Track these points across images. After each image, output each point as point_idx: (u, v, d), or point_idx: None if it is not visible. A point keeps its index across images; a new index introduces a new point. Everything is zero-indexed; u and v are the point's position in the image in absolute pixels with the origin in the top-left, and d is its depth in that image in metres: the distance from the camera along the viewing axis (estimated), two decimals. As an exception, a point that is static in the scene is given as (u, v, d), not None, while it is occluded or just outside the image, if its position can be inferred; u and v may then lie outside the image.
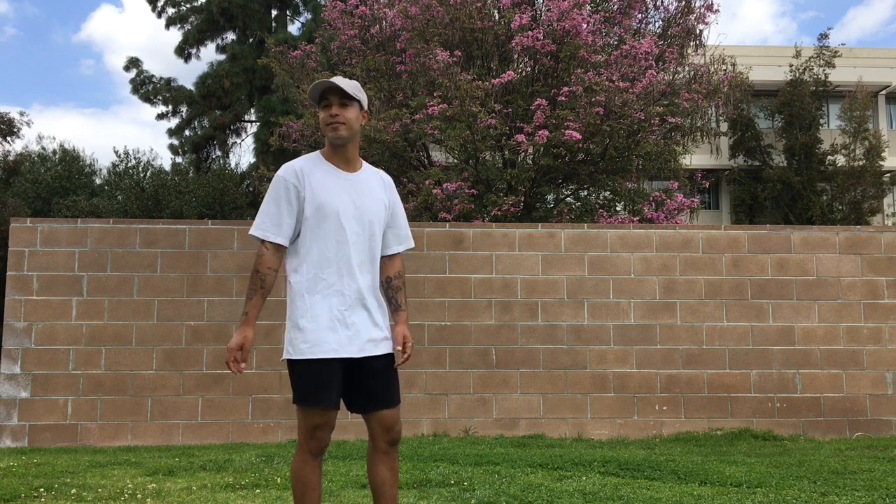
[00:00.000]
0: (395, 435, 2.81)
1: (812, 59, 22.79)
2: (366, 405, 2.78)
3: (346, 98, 2.78)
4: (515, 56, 12.27)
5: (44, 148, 23.52)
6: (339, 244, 2.75)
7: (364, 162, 2.94)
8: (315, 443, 2.71)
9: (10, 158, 22.46)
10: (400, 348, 2.90)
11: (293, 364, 2.71)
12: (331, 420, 2.71)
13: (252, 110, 24.33)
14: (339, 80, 2.76)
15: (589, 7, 12.39)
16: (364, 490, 4.37)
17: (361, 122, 2.84)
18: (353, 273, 2.76)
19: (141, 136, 73.26)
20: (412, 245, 3.03)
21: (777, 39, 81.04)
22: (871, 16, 72.14)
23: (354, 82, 2.83)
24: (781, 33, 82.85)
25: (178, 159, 25.10)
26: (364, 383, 2.77)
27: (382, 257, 2.95)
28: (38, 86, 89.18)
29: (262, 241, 2.75)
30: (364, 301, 2.78)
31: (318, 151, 2.88)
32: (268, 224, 2.74)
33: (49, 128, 76.16)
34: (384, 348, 2.81)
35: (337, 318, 2.72)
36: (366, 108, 2.89)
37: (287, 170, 2.78)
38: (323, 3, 19.56)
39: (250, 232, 2.79)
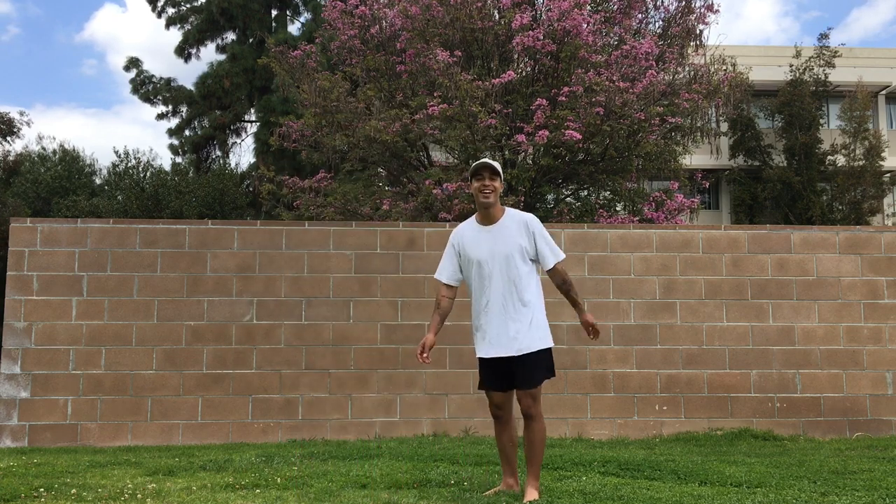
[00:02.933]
0: (524, 408, 3.96)
1: (812, 59, 22.79)
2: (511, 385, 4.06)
3: (495, 174, 4.02)
4: (515, 56, 12.27)
5: (44, 148, 23.52)
6: (480, 279, 4.08)
7: (508, 211, 4.11)
8: (491, 412, 4.15)
9: (10, 158, 22.46)
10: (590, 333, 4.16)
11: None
12: (500, 399, 4.07)
13: (252, 110, 24.33)
14: (490, 160, 4.03)
15: (589, 7, 12.39)
16: (364, 490, 4.37)
17: (500, 192, 4.09)
18: (492, 299, 4.06)
19: (143, 136, 73.27)
20: (562, 257, 4.10)
21: (780, 39, 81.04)
22: (874, 16, 72.16)
23: (498, 163, 4.24)
24: (784, 33, 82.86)
25: (178, 159, 25.10)
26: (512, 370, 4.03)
27: (547, 272, 4.13)
28: (40, 86, 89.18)
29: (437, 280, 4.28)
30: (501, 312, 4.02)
31: (474, 216, 4.19)
32: (439, 268, 4.27)
33: (51, 128, 76.11)
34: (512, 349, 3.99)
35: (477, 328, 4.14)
36: (503, 183, 4.19)
37: (454, 233, 4.22)
38: (323, 3, 19.56)
39: (435, 276, 4.32)
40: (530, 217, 4.10)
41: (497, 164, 4.02)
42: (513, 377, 4.00)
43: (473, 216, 4.18)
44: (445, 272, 4.19)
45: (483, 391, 4.13)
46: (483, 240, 4.06)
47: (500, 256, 4.00)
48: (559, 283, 4.15)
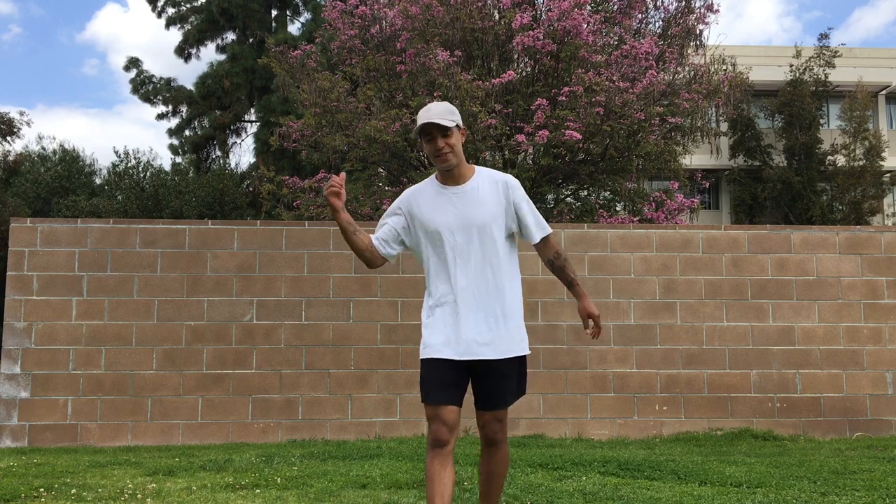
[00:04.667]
0: (491, 433, 3.04)
1: (812, 60, 22.80)
2: (475, 402, 3.08)
3: (444, 130, 2.97)
4: (516, 56, 12.27)
5: (44, 148, 23.54)
6: (442, 253, 3.02)
7: (478, 170, 3.12)
8: (432, 436, 2.90)
9: (10, 158, 22.46)
10: (589, 327, 3.14)
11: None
12: (445, 415, 2.91)
13: (252, 110, 24.34)
14: (434, 115, 2.96)
15: (589, 7, 12.39)
16: (364, 490, 4.37)
17: (462, 141, 3.05)
18: (461, 281, 2.99)
19: (144, 136, 73.26)
20: (549, 231, 3.17)
21: (781, 39, 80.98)
22: (876, 16, 72.08)
23: (446, 105, 3.02)
24: (786, 33, 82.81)
25: (178, 159, 25.12)
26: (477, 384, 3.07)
27: (534, 246, 3.18)
28: (41, 86, 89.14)
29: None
30: (470, 304, 2.98)
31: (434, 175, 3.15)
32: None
33: (53, 128, 76.11)
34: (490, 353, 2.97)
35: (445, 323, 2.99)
36: (462, 125, 3.08)
37: (405, 192, 3.16)
38: (323, 3, 19.55)
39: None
40: (509, 177, 3.12)
41: (444, 116, 2.97)
42: (465, 391, 3.01)
43: (433, 175, 3.14)
44: (377, 233, 3.11)
45: (428, 406, 2.94)
46: (447, 204, 3.03)
47: (472, 228, 2.99)
48: (552, 257, 3.16)
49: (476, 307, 2.95)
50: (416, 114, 11.27)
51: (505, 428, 3.07)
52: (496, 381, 3.00)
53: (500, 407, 3.02)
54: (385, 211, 2.96)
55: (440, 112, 2.96)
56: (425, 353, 2.97)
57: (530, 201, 3.15)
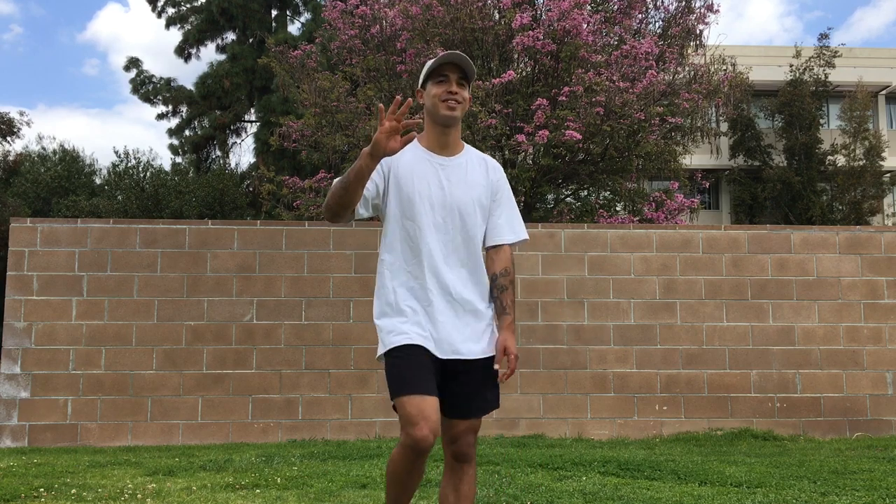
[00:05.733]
0: (465, 447, 2.52)
1: (812, 60, 22.80)
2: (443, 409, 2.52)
3: (465, 79, 2.58)
4: (516, 56, 12.27)
5: (44, 148, 23.55)
6: (415, 229, 2.53)
7: (467, 146, 2.70)
8: (412, 440, 2.34)
9: (10, 158, 22.46)
10: (500, 364, 2.59)
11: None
12: (430, 412, 2.34)
13: (252, 110, 24.35)
14: (462, 58, 2.53)
15: (589, 7, 12.39)
16: (364, 490, 4.37)
17: (466, 108, 2.64)
18: (437, 266, 2.53)
19: (145, 135, 73.22)
20: (525, 237, 2.74)
21: (782, 39, 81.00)
22: (877, 17, 72.07)
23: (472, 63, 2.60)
24: (787, 33, 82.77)
25: (178, 159, 25.13)
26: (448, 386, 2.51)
27: (487, 249, 2.68)
28: (42, 86, 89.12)
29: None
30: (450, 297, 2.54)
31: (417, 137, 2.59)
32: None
33: (53, 128, 76.09)
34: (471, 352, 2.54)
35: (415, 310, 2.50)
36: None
37: None
38: (323, 2, 19.55)
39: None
40: (496, 163, 2.74)
41: (471, 64, 2.57)
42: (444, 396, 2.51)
43: (415, 140, 2.62)
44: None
45: (408, 399, 2.37)
46: (431, 174, 2.57)
47: (455, 208, 2.57)
48: (501, 271, 2.67)
49: (452, 299, 2.53)
50: (416, 114, 11.30)
51: (475, 442, 2.58)
52: (476, 384, 2.54)
53: (478, 414, 2.54)
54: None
55: (468, 60, 2.56)
56: (400, 339, 2.44)
57: (513, 196, 2.76)
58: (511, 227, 2.71)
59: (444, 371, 2.49)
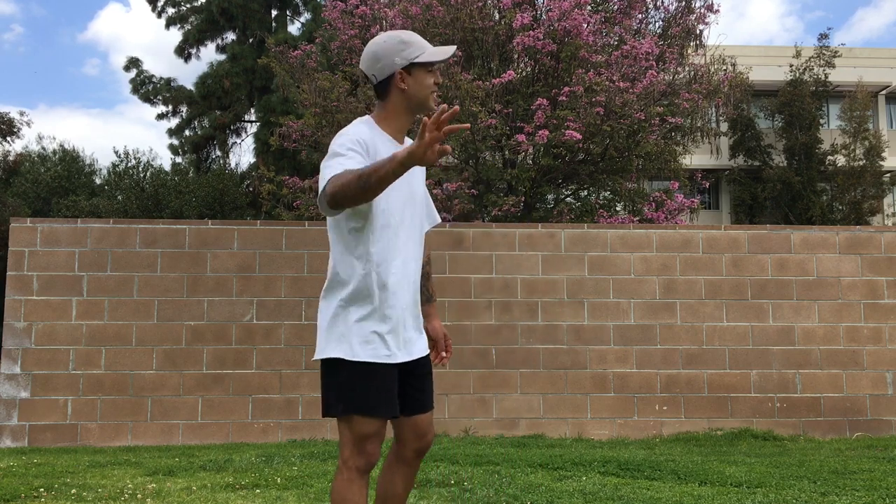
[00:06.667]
0: (427, 442, 2.52)
1: (812, 60, 22.80)
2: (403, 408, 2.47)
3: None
4: (516, 56, 12.27)
5: (44, 148, 23.55)
6: (383, 221, 2.36)
7: None
8: (366, 459, 2.33)
9: (10, 158, 22.46)
10: (439, 351, 2.62)
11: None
12: (382, 434, 2.35)
13: (252, 110, 24.35)
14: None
15: (589, 7, 12.39)
16: (364, 490, 4.37)
17: None
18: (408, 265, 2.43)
19: (146, 135, 73.23)
20: (438, 220, 2.63)
21: (783, 39, 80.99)
22: (878, 17, 72.11)
23: None
24: (788, 33, 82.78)
25: (178, 159, 25.13)
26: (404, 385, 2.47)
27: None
28: (43, 86, 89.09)
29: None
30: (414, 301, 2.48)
31: (368, 117, 2.46)
32: (346, 165, 2.23)
33: (54, 128, 76.07)
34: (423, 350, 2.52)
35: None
36: None
37: (356, 131, 2.35)
38: (323, 2, 19.55)
39: (322, 186, 2.21)
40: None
41: None
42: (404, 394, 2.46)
43: (368, 118, 2.45)
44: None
45: (373, 420, 2.31)
46: None
47: (414, 199, 2.46)
48: (425, 259, 2.67)
49: (410, 297, 2.43)
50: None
51: None
52: (429, 379, 2.52)
53: (432, 404, 2.53)
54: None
55: None
56: (369, 352, 2.31)
57: None
58: (432, 211, 2.62)
59: (401, 372, 2.44)
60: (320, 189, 2.22)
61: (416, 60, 2.39)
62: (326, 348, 2.34)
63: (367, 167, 2.08)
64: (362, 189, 2.10)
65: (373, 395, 2.29)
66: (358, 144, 2.30)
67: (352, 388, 2.30)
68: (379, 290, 2.34)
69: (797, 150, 22.41)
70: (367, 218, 2.34)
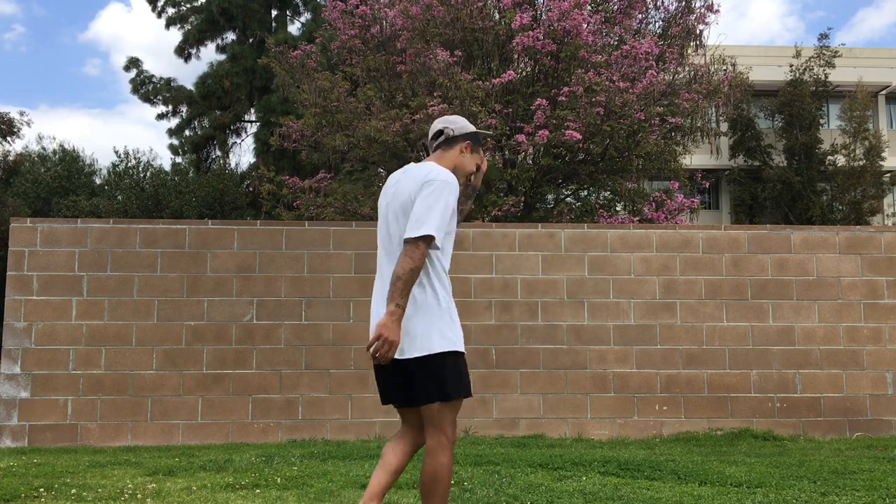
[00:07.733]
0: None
1: (812, 60, 22.79)
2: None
3: None
4: (516, 56, 12.28)
5: (44, 148, 23.56)
6: (448, 251, 2.93)
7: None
8: (454, 434, 2.90)
9: (10, 158, 22.45)
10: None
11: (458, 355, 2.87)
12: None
13: (252, 110, 24.35)
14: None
15: (589, 7, 12.39)
16: (364, 490, 4.37)
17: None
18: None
19: (146, 135, 73.19)
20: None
21: (785, 39, 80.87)
22: (879, 17, 72.07)
23: None
24: (789, 33, 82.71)
25: (178, 159, 25.13)
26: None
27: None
28: (44, 86, 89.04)
29: (425, 239, 2.72)
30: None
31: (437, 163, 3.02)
32: (440, 224, 2.75)
33: (55, 128, 75.99)
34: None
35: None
36: None
37: (454, 183, 2.87)
38: (323, 3, 19.56)
39: (426, 232, 2.71)
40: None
41: None
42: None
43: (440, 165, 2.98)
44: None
45: (462, 400, 2.92)
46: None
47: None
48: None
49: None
50: (417, 114, 11.30)
51: None
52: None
53: None
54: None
55: None
56: (460, 345, 2.85)
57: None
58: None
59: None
60: (424, 230, 2.71)
61: (475, 135, 3.09)
62: (439, 343, 2.80)
63: (417, 271, 2.71)
64: (413, 280, 2.69)
65: (468, 380, 2.91)
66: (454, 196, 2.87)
67: (460, 374, 2.84)
68: (447, 298, 2.90)
69: (797, 150, 22.41)
70: (440, 245, 2.84)
